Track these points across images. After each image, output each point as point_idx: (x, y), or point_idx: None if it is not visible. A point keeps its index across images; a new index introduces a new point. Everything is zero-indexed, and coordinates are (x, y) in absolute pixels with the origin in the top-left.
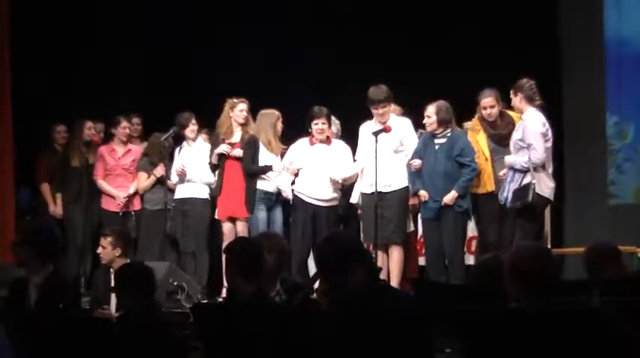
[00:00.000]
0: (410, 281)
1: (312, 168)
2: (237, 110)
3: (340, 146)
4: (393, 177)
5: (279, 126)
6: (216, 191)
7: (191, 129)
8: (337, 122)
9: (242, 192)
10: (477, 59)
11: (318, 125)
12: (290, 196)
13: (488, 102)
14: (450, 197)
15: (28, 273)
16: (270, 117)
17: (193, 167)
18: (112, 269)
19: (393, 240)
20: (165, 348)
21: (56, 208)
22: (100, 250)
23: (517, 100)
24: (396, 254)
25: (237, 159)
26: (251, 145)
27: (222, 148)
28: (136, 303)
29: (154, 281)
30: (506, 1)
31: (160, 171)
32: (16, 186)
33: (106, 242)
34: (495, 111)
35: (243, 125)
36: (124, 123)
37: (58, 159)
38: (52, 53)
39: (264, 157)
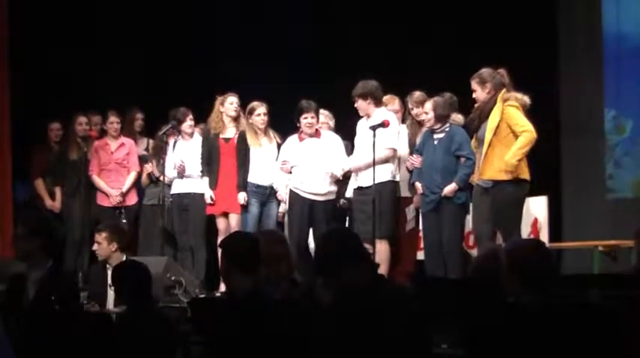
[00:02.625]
0: (407, 275)
1: (304, 163)
2: (228, 103)
3: (330, 137)
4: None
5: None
6: (211, 186)
7: (188, 124)
8: (331, 115)
9: (235, 188)
10: (474, 54)
11: (307, 119)
12: (284, 198)
13: (472, 86)
14: (449, 189)
15: (28, 268)
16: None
17: (190, 162)
18: (108, 265)
19: (376, 235)
20: (163, 344)
21: (54, 203)
22: (95, 246)
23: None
24: (380, 249)
25: (232, 155)
26: (242, 141)
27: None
28: (133, 300)
29: (150, 278)
30: None
31: (148, 168)
32: (13, 182)
33: (100, 237)
34: (477, 95)
35: (236, 119)
36: (112, 118)
37: (55, 154)
38: (52, 51)
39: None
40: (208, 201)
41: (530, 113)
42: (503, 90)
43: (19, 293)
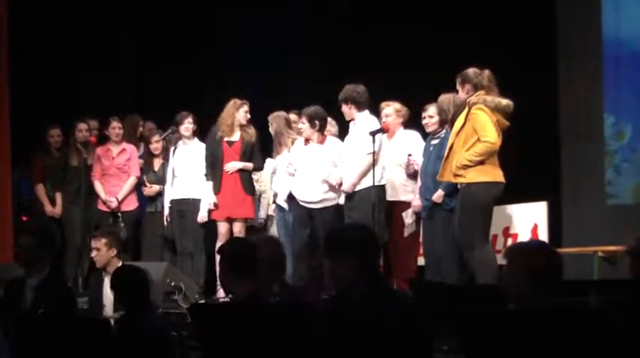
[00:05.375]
0: (407, 281)
1: (302, 169)
2: (243, 111)
3: (333, 144)
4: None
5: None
6: (215, 190)
7: (185, 126)
8: (334, 122)
9: (240, 193)
10: (475, 58)
11: (298, 124)
12: (282, 203)
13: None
14: (436, 195)
15: (26, 274)
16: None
17: (190, 166)
18: (104, 272)
19: None
20: (162, 349)
21: (54, 208)
22: (94, 253)
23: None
24: None
25: (236, 159)
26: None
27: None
28: (131, 305)
29: (148, 283)
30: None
31: (147, 191)
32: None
33: (100, 243)
34: (459, 94)
35: (244, 125)
36: (114, 124)
37: (56, 160)
38: (52, 52)
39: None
40: (211, 207)
41: (530, 119)
42: (477, 93)
43: (16, 299)
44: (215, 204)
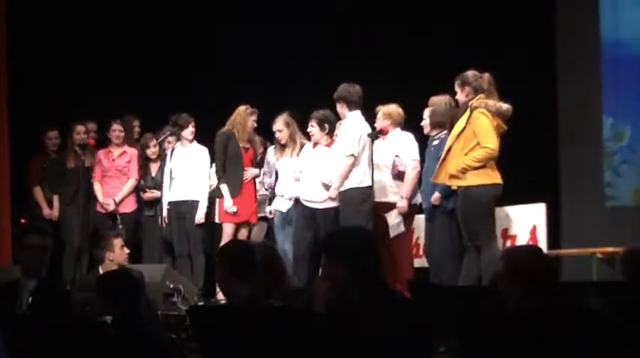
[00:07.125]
0: (403, 282)
1: (308, 170)
2: (252, 119)
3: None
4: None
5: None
6: (234, 192)
7: (190, 130)
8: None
9: (253, 199)
10: (472, 59)
11: (308, 128)
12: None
13: (455, 87)
14: (434, 197)
15: (24, 276)
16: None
17: (188, 168)
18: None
19: None
20: (155, 353)
21: (51, 211)
22: (117, 253)
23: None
24: None
25: (249, 166)
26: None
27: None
28: (119, 310)
29: (139, 288)
30: (503, 1)
31: (147, 197)
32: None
33: (122, 242)
34: (458, 97)
35: (250, 133)
36: (115, 126)
37: (53, 162)
38: (51, 53)
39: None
40: (232, 210)
41: (529, 120)
42: (478, 96)
43: (12, 302)
44: (234, 209)
